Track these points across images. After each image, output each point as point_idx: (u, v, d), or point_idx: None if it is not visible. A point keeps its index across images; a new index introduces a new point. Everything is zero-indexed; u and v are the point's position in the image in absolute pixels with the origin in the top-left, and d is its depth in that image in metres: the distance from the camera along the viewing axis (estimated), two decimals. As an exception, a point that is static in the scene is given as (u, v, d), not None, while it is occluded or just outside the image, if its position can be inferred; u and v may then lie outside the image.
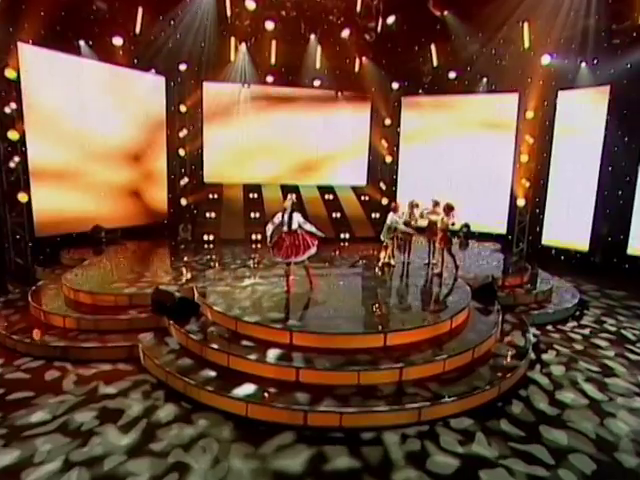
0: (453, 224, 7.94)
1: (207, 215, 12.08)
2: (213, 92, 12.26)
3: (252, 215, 12.02)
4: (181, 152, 12.32)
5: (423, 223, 8.64)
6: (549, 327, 7.22)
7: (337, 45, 11.54)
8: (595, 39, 9.04)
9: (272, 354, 5.20)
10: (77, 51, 9.81)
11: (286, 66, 12.03)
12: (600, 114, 10.28)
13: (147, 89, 11.45)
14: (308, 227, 6.63)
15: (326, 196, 13.04)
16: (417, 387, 4.89)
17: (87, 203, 10.63)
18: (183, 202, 12.34)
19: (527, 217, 12.21)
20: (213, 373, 5.07)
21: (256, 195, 12.62)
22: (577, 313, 7.88)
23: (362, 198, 13.32)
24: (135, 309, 6.56)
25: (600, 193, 10.65)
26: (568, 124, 11.04)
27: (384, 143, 13.54)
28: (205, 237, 11.21)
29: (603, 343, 6.62)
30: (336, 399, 4.60)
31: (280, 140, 12.94)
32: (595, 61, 9.68)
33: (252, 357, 5.14)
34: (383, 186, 13.68)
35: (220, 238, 11.23)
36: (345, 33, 10.56)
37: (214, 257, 9.61)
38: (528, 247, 12.27)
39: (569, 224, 11.37)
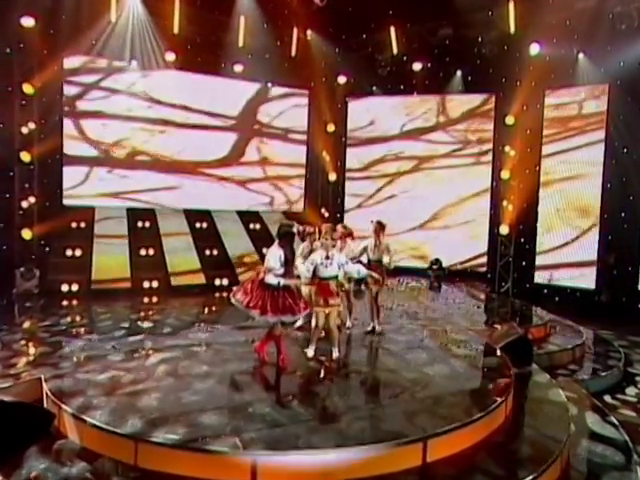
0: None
1: (67, 253, 9.69)
2: (81, 68, 9.89)
3: (142, 253, 10.00)
4: (25, 157, 9.55)
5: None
6: (607, 397, 6.24)
7: (270, 15, 10.16)
8: (595, 24, 8.85)
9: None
10: None
11: (195, 40, 10.32)
12: (599, 119, 10.17)
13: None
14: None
15: (251, 225, 11.65)
16: None
17: None
18: (26, 235, 9.47)
19: (511, 249, 11.66)
20: None
21: (148, 224, 10.55)
22: (624, 372, 7.18)
23: (300, 229, 11.78)
24: None
25: (601, 216, 10.36)
26: (558, 133, 10.81)
27: (326, 156, 12.44)
28: (64, 287, 9.19)
29: (697, 417, 5.54)
30: None
31: (184, 146, 11.00)
32: (593, 52, 9.54)
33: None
34: (326, 213, 12.55)
35: (90, 288, 9.25)
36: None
37: (81, 319, 7.50)
38: (514, 286, 11.67)
39: (567, 256, 10.90)
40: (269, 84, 11.46)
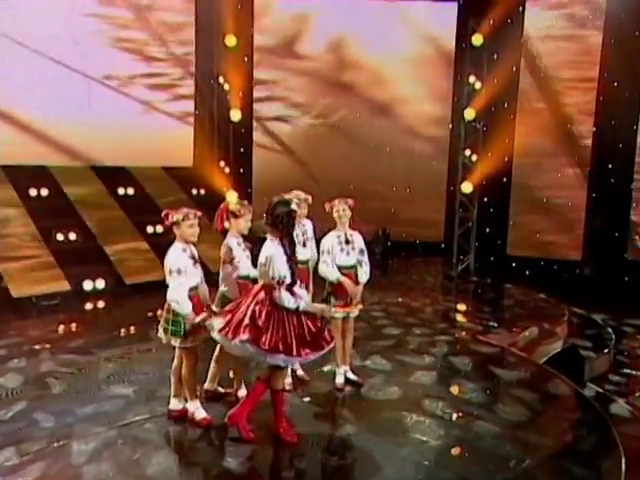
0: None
1: None
2: None
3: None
4: None
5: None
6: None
7: None
8: None
9: None
10: None
11: None
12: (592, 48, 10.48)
13: None
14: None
15: (119, 190, 10.45)
16: None
17: None
18: None
19: (474, 212, 11.69)
20: None
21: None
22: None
23: (192, 192, 11.21)
24: None
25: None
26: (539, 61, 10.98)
27: (225, 84, 11.39)
28: None
29: None
30: None
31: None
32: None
33: None
34: (226, 168, 11.78)
35: None
36: None
37: None
38: (475, 260, 11.83)
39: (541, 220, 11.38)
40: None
